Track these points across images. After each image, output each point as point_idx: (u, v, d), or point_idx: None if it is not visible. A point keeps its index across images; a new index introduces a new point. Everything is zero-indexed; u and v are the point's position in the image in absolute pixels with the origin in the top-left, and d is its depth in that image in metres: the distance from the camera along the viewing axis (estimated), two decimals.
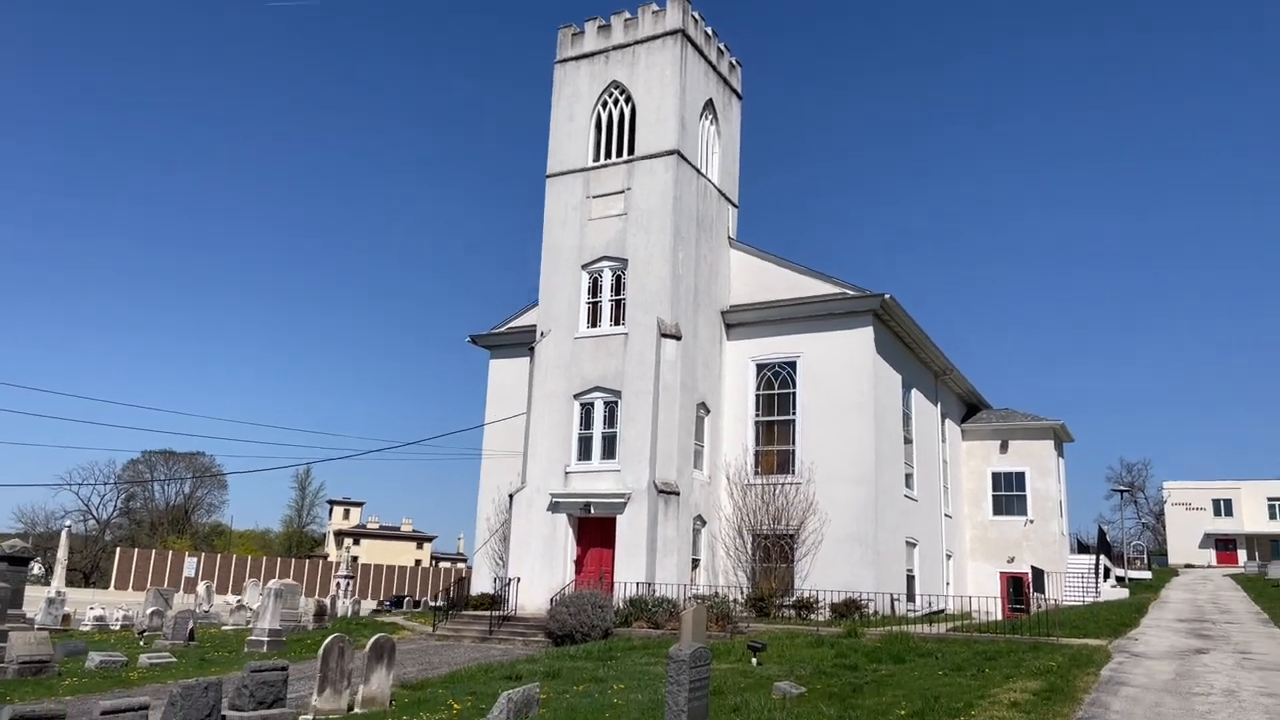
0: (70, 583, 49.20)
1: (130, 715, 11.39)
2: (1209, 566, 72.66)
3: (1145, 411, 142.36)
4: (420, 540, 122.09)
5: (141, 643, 24.99)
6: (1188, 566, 69.98)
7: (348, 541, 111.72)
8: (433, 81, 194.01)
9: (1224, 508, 79.01)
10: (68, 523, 35.85)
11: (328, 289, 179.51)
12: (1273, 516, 77.75)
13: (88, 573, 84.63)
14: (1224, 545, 78.53)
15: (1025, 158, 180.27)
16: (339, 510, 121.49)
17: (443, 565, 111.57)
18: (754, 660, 18.48)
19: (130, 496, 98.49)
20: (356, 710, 14.71)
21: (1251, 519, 77.94)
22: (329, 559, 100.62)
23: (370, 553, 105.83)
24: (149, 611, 28.37)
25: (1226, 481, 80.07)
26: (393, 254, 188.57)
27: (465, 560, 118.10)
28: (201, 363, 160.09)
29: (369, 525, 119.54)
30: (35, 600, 32.34)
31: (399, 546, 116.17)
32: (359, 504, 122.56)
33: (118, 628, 31.50)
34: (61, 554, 31.09)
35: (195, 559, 77.64)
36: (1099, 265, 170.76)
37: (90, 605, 32.88)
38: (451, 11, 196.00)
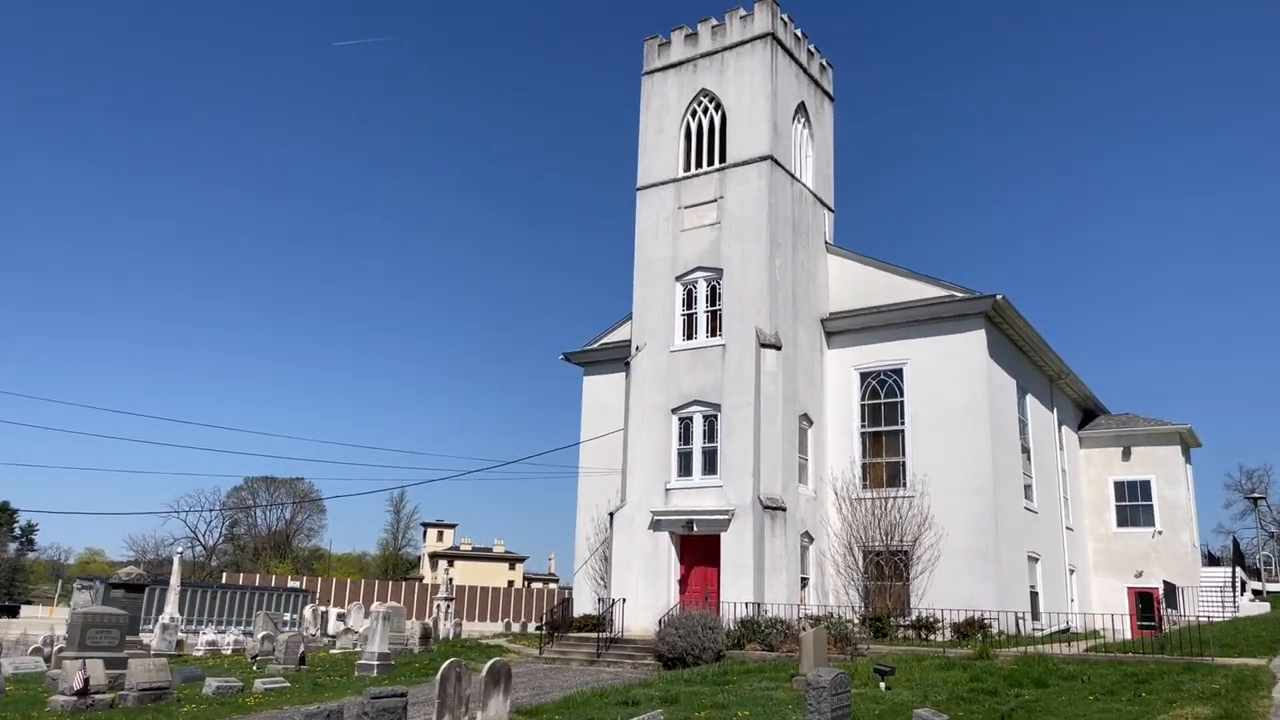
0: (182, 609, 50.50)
1: None
2: None
3: (1262, 414, 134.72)
4: (512, 561, 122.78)
5: (254, 667, 25.08)
6: None
7: (442, 563, 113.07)
8: (512, 104, 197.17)
9: None
10: (179, 549, 36.77)
11: (419, 314, 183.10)
12: None
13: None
14: None
15: (1118, 146, 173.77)
16: (433, 532, 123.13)
17: (535, 585, 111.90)
18: (882, 684, 17.44)
19: (234, 523, 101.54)
20: None
21: None
22: (424, 581, 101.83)
23: (464, 574, 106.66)
24: (260, 636, 28.62)
25: None
26: (481, 278, 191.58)
27: (556, 580, 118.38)
28: (298, 389, 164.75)
29: (462, 547, 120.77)
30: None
31: (492, 567, 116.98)
32: (452, 526, 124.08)
33: (229, 652, 31.89)
34: (174, 580, 31.66)
35: (298, 583, 79.34)
36: (1199, 249, 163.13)
37: (201, 630, 33.40)
38: (526, 34, 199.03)
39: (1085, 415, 40.67)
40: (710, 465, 28.43)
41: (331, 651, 30.45)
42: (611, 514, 29.95)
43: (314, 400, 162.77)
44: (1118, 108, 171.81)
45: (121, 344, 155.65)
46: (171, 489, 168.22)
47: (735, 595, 26.34)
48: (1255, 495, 47.66)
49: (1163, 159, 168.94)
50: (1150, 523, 37.26)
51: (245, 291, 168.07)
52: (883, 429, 30.24)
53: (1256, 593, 39.04)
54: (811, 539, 28.99)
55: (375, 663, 23.32)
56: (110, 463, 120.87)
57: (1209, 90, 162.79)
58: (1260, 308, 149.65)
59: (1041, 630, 28.48)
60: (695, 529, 27.93)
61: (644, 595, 28.10)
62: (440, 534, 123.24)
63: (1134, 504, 37.84)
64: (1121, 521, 37.90)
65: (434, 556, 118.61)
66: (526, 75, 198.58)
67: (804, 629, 23.98)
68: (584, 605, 31.67)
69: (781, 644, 23.22)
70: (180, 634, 30.77)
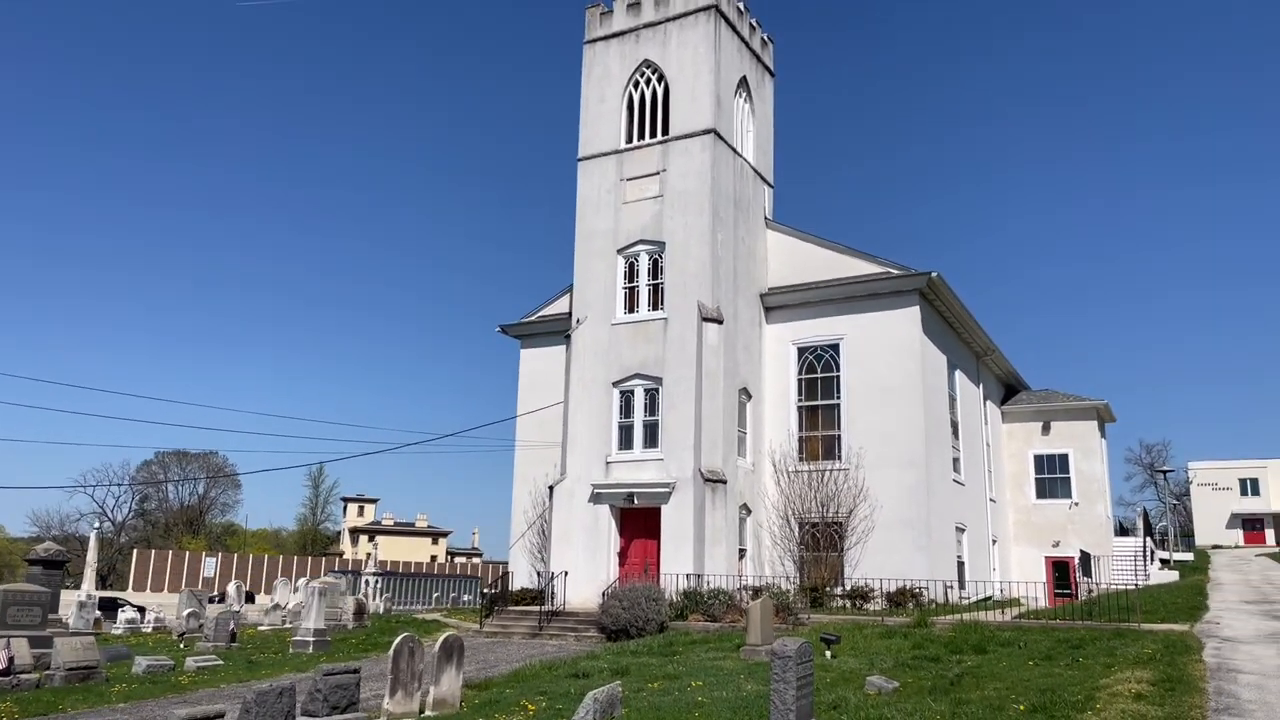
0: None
1: None
2: (1237, 547, 71.75)
3: (1162, 390, 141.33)
4: (435, 536, 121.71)
5: (182, 645, 24.29)
6: (1215, 547, 69.01)
7: (363, 539, 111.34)
8: (452, 69, 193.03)
9: (1251, 487, 77.99)
10: (96, 524, 35.38)
11: (348, 285, 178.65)
12: None
13: (104, 575, 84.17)
14: (1251, 525, 77.56)
15: (1040, 142, 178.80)
16: (353, 507, 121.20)
17: (458, 560, 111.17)
18: (828, 653, 17.73)
19: (144, 498, 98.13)
20: (428, 713, 14.02)
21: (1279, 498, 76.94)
22: (344, 556, 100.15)
23: (386, 549, 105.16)
24: (185, 613, 27.67)
25: (1253, 460, 79.03)
26: (414, 246, 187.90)
27: (481, 555, 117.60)
28: (218, 361, 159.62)
29: (384, 522, 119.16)
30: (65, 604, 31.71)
31: (414, 542, 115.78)
32: (373, 500, 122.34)
33: (149, 630, 30.86)
34: (91, 556, 30.42)
35: (214, 559, 77.31)
36: (1107, 240, 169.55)
37: (121, 607, 32.23)
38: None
39: (1007, 391, 41.92)
40: (651, 438, 28.45)
41: (260, 628, 29.68)
42: (551, 487, 29.74)
43: (231, 372, 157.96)
44: (1036, 101, 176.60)
45: (25, 312, 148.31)
46: (78, 462, 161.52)
47: (675, 567, 26.48)
48: (1163, 469, 49.85)
49: (1069, 158, 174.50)
50: (1067, 495, 38.69)
51: (158, 263, 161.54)
52: (819, 403, 30.62)
53: (1164, 562, 40.92)
54: (749, 511, 29.29)
55: (311, 639, 22.81)
56: (12, 433, 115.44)
57: (1144, 91, 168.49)
58: (1156, 292, 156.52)
59: (967, 598, 29.35)
60: (636, 502, 27.94)
61: (584, 568, 28.04)
62: (361, 509, 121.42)
63: (1052, 477, 39.24)
64: (1040, 493, 39.27)
65: (354, 531, 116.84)
66: (462, 38, 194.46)
67: (744, 600, 24.28)
68: (521, 579, 31.46)
69: (724, 614, 23.44)
70: (97, 612, 29.58)
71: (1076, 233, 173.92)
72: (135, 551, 78.96)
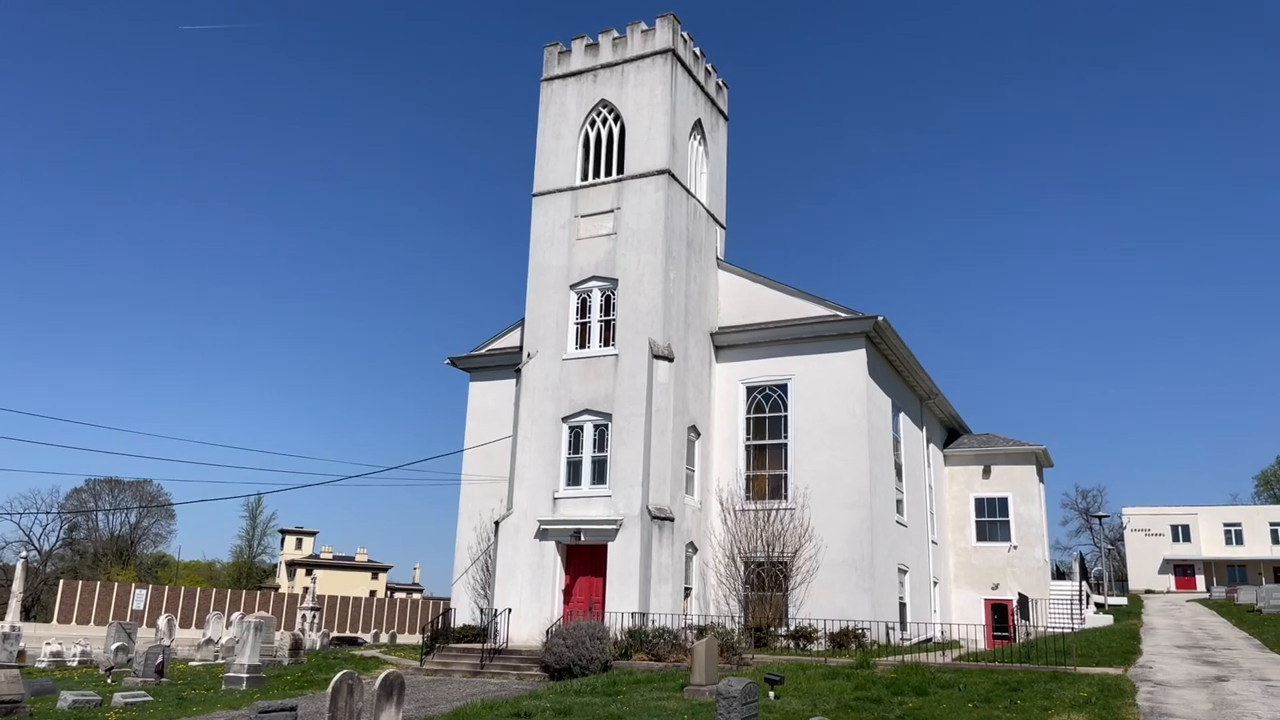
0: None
1: None
2: (1169, 592, 73.46)
3: (1095, 437, 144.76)
4: (375, 570, 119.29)
5: (109, 680, 23.47)
6: (1148, 592, 70.60)
7: (300, 571, 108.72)
8: (411, 98, 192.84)
9: (1182, 533, 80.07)
10: (23, 553, 34.00)
11: (294, 314, 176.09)
12: (1229, 542, 79.00)
13: (29, 606, 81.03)
14: (1183, 571, 79.57)
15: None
16: (291, 540, 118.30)
17: (398, 596, 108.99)
18: (771, 694, 17.73)
19: (73, 526, 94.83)
20: None
21: (1209, 544, 79.08)
22: (280, 590, 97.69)
23: (324, 583, 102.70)
24: (114, 647, 26.76)
25: (1184, 507, 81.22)
26: (362, 276, 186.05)
27: (421, 590, 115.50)
28: (154, 388, 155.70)
29: (322, 555, 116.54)
30: None
31: (354, 577, 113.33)
32: (312, 533, 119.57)
33: (75, 664, 29.79)
34: (17, 586, 29.32)
35: (144, 591, 74.80)
36: (1044, 291, 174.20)
37: (46, 640, 31.08)
38: (434, 29, 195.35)
39: (950, 434, 42.66)
40: (600, 475, 28.39)
41: (192, 663, 28.82)
42: (497, 523, 29.47)
43: (168, 400, 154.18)
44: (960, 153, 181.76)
45: None
46: (5, 488, 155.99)
47: (620, 605, 26.34)
48: (1099, 515, 50.91)
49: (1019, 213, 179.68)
50: (1007, 538, 39.35)
51: (93, 288, 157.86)
52: (767, 442, 30.87)
53: (1099, 606, 41.73)
54: (696, 549, 29.31)
55: (245, 675, 22.21)
56: None
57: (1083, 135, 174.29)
58: (1085, 340, 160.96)
59: (909, 640, 29.62)
60: (583, 539, 27.81)
61: (528, 606, 27.77)
62: (299, 541, 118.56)
63: (992, 520, 39.90)
64: (981, 536, 39.88)
65: (291, 565, 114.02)
66: (417, 68, 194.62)
67: (689, 639, 24.22)
68: (464, 616, 31.01)
69: (669, 654, 23.33)
70: (21, 644, 28.47)
71: (1015, 281, 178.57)
72: (62, 582, 76.06)
